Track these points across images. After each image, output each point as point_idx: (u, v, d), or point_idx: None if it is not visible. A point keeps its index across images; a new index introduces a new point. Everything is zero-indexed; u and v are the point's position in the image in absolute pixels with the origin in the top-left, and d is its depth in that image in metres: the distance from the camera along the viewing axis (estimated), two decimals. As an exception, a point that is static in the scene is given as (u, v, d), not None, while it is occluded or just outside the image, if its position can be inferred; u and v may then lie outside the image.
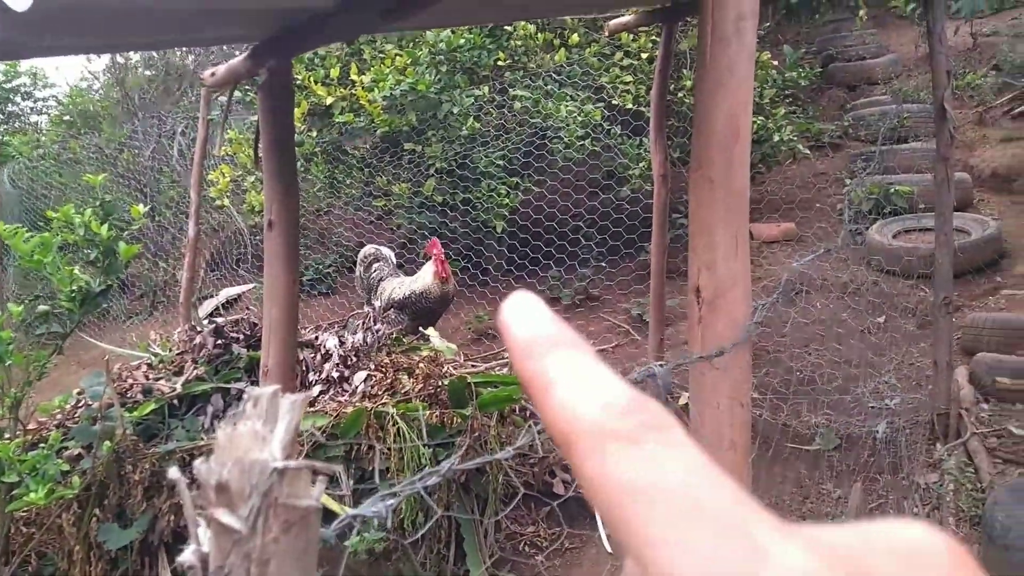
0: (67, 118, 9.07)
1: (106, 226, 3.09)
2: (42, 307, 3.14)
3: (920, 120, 7.20)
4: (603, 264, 5.89)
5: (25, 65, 9.57)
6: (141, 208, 3.44)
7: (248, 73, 2.53)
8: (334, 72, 5.62)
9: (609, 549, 3.43)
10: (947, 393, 3.69)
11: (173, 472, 0.63)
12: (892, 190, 6.13)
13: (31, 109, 10.29)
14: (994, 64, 8.38)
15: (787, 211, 6.47)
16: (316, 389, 3.84)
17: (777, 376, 4.58)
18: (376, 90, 5.42)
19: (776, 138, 6.05)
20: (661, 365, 1.42)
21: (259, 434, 0.58)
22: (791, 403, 4.32)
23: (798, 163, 7.24)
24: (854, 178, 6.71)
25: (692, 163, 1.58)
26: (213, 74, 2.83)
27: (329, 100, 5.54)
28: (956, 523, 3.01)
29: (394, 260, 4.98)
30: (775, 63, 6.90)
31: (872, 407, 4.19)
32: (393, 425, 3.49)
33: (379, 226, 6.57)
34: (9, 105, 9.83)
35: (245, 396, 0.59)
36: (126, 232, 3.99)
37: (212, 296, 7.17)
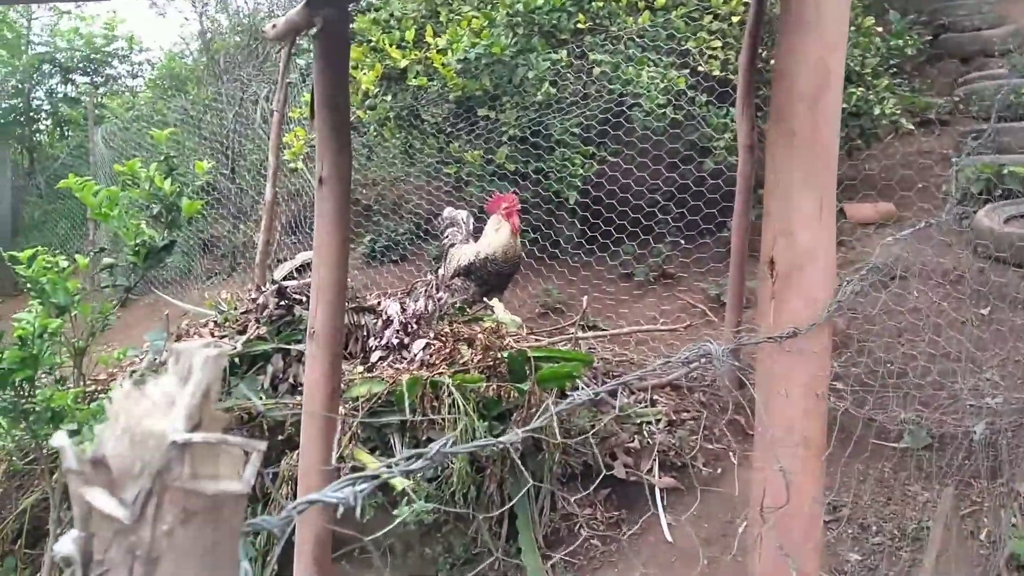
0: (160, 82, 9.35)
1: (169, 180, 3.08)
2: (107, 259, 3.17)
3: (1044, 96, 6.55)
4: (681, 240, 5.63)
5: (122, 29, 9.92)
6: (205, 164, 3.43)
7: (305, 23, 2.42)
8: (409, 35, 5.52)
9: (669, 538, 3.26)
10: (1059, 394, 3.31)
11: (58, 438, 0.50)
12: (1006, 171, 5.59)
13: (128, 72, 10.68)
14: None
15: (886, 190, 6.01)
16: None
17: (864, 366, 4.25)
18: (451, 53, 5.28)
19: (877, 111, 5.61)
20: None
21: (166, 398, 0.44)
22: (878, 396, 4.00)
23: (901, 139, 6.72)
24: (963, 156, 6.18)
25: (771, 115, 1.37)
26: (274, 26, 2.75)
27: (403, 63, 5.44)
28: (1063, 539, 2.68)
29: (471, 226, 4.85)
30: (879, 29, 6.39)
31: (971, 405, 3.82)
32: (448, 395, 3.40)
33: (452, 195, 6.48)
34: (107, 68, 10.20)
35: (167, 351, 0.46)
36: (189, 188, 4.01)
37: (289, 260, 7.27)
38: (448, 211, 5.05)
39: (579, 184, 5.55)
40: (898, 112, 5.71)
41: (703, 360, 1.15)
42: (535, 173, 5.64)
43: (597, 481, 3.31)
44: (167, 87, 8.78)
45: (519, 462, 3.28)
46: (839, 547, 3.09)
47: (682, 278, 5.76)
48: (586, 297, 4.43)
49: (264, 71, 7.87)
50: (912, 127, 6.07)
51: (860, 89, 5.70)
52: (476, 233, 4.92)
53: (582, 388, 3.86)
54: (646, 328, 4.35)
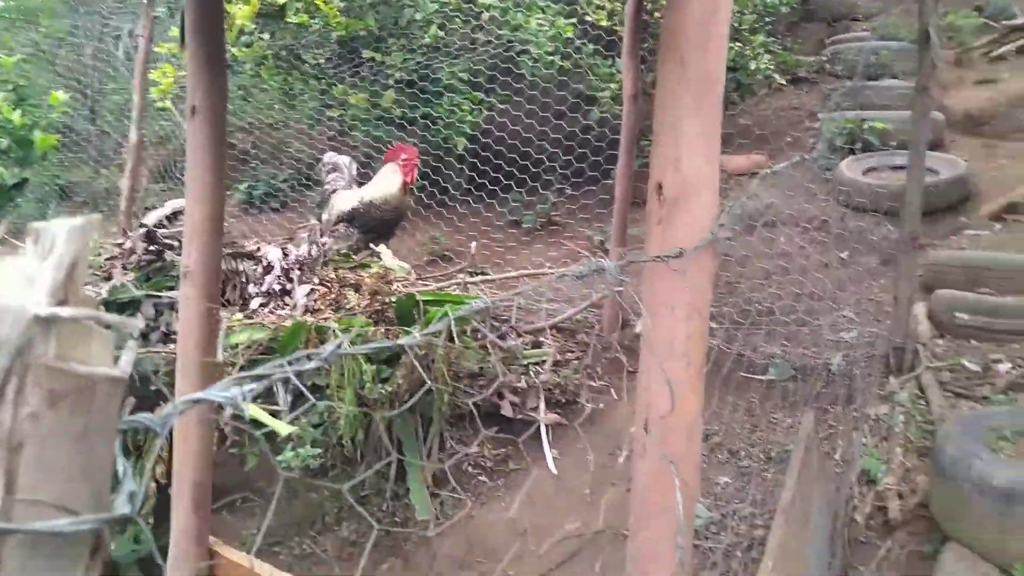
0: (5, 14, 8.46)
1: (19, 112, 2.81)
2: (-55, 197, 2.88)
3: (899, 57, 7.01)
4: (567, 188, 5.71)
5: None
6: (61, 95, 3.15)
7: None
8: (288, -32, 5.22)
9: (554, 471, 3.36)
10: (905, 328, 3.62)
11: None
12: (866, 126, 5.98)
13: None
14: (976, 5, 8.17)
15: (759, 142, 6.30)
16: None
17: (735, 306, 4.49)
18: (333, -11, 5.06)
19: (753, 66, 5.83)
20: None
21: (27, 274, 0.39)
22: (747, 333, 4.24)
23: (773, 94, 7.04)
24: (829, 112, 6.56)
25: (661, 44, 1.39)
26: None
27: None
28: (904, 454, 2.97)
29: (353, 171, 4.71)
30: (756, -13, 6.62)
31: (829, 340, 4.13)
32: (335, 339, 3.33)
33: (336, 140, 6.26)
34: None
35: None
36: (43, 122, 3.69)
37: (158, 207, 6.85)
38: (329, 156, 4.89)
39: (468, 131, 5.49)
40: (772, 68, 5.97)
41: (596, 272, 1.18)
42: (423, 119, 5.54)
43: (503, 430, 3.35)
44: (15, 19, 7.96)
45: (407, 405, 3.27)
46: (711, 472, 3.29)
47: (568, 225, 5.85)
48: (474, 243, 4.43)
49: (127, 3, 7.26)
50: (784, 83, 6.36)
51: (737, 44, 5.90)
52: (361, 179, 4.79)
53: (471, 329, 3.85)
54: (533, 272, 4.41)
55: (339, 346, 0.87)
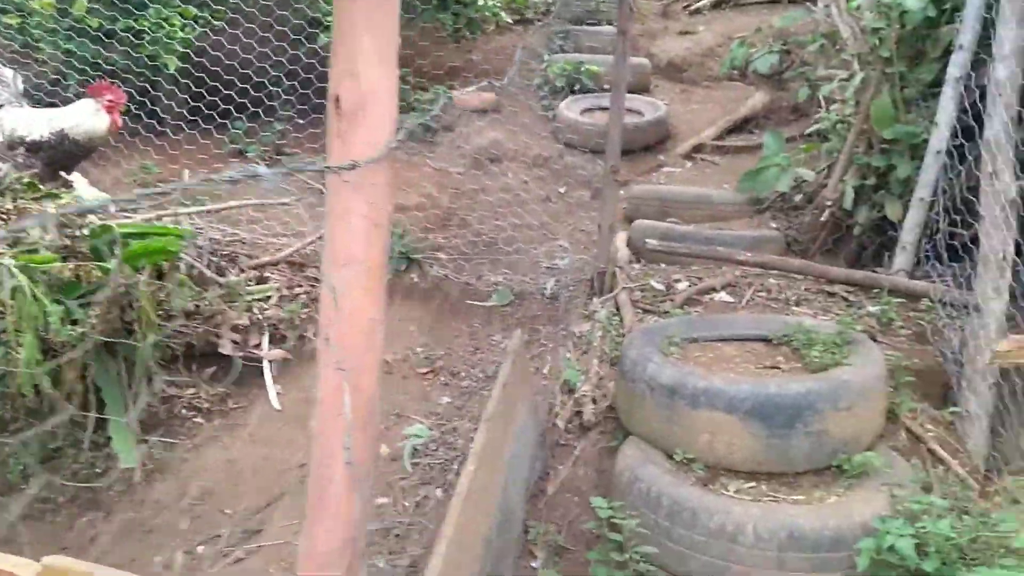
0: None
1: None
2: None
3: (612, 4, 7.57)
4: (295, 116, 5.46)
5: None
6: None
7: None
8: None
9: (277, 406, 3.29)
10: (607, 254, 4.01)
11: None
12: (583, 68, 6.42)
13: None
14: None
15: (488, 80, 6.48)
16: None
17: (464, 238, 4.67)
18: None
19: (481, 2, 5.95)
20: (268, 165, 1.23)
21: None
22: (475, 263, 4.44)
23: (503, 33, 7.25)
24: (552, 54, 6.93)
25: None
26: None
27: None
28: (599, 364, 3.32)
29: (19, 85, 4.07)
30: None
31: (545, 267, 4.47)
32: (11, 278, 2.91)
33: (21, 55, 5.36)
34: None
35: None
36: None
37: None
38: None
39: (179, 49, 4.99)
40: (499, 6, 6.13)
41: (251, 178, 1.15)
42: (125, 31, 4.92)
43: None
44: None
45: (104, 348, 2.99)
46: (433, 393, 3.44)
47: (298, 156, 5.62)
48: (187, 172, 4.09)
49: None
50: (510, 21, 6.58)
51: (467, -21, 5.98)
52: (37, 102, 4.18)
53: (186, 265, 3.60)
54: (255, 203, 4.19)
55: None
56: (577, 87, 6.43)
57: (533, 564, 2.64)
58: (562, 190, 5.54)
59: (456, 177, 5.48)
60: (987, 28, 3.31)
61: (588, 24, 7.41)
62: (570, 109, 6.10)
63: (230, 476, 2.96)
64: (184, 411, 3.28)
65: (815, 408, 2.40)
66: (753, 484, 2.53)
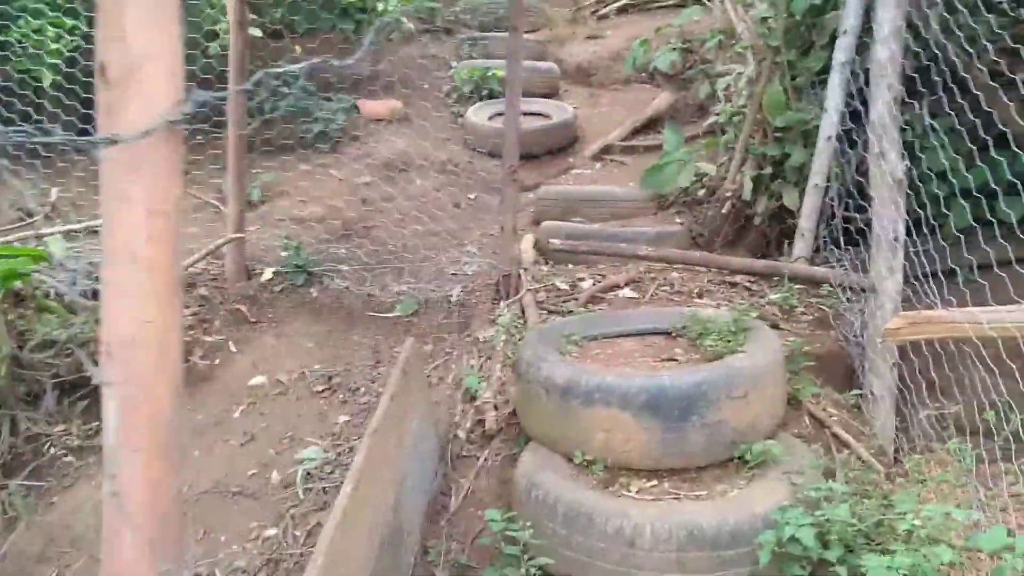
0: None
1: None
2: None
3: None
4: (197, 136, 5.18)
5: None
6: None
7: None
8: None
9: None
10: (512, 256, 3.88)
11: None
12: (489, 74, 6.33)
13: None
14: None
15: (396, 90, 6.34)
16: None
17: (365, 248, 4.48)
18: None
19: (381, 7, 5.80)
20: None
21: None
22: (377, 273, 4.26)
23: (410, 43, 7.12)
24: (460, 61, 6.83)
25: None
26: None
27: None
28: (502, 369, 3.19)
29: None
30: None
31: (452, 274, 4.32)
32: None
33: None
34: None
35: None
36: None
37: None
38: None
39: (59, 63, 4.69)
40: (397, 11, 5.99)
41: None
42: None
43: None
44: None
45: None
46: (331, 413, 3.24)
47: (197, 175, 5.34)
48: (55, 190, 3.80)
49: None
50: (412, 27, 6.45)
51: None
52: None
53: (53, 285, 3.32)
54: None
55: None
56: (486, 93, 6.33)
57: (432, 585, 2.48)
58: (472, 196, 5.42)
59: (362, 188, 5.30)
60: (869, 12, 3.34)
61: (497, 31, 7.35)
62: (478, 115, 6.00)
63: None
64: (53, 450, 3.00)
65: (709, 398, 2.31)
66: (655, 483, 2.43)
